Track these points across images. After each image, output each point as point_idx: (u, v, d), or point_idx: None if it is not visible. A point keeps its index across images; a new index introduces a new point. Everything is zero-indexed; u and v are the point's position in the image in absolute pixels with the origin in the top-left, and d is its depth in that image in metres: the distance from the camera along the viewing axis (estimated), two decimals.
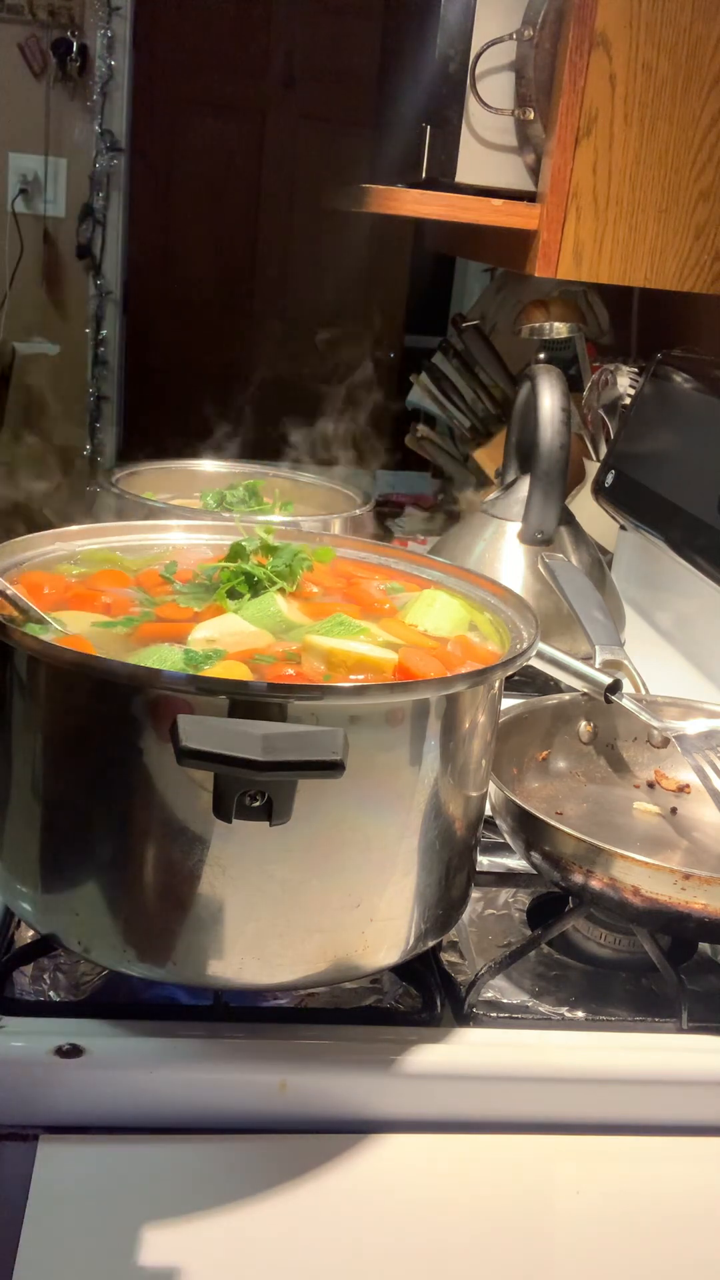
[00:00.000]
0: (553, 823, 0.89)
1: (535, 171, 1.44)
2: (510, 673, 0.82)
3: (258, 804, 0.67)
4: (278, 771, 0.66)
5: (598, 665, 1.08)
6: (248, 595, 0.91)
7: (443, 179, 1.45)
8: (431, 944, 0.85)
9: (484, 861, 1.03)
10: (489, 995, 0.89)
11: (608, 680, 1.05)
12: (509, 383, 2.15)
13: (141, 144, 3.82)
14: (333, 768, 0.66)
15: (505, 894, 1.03)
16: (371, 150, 1.85)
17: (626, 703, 1.06)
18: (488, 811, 0.90)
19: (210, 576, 0.93)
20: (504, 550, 1.44)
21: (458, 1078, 0.82)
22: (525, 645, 0.85)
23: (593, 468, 1.84)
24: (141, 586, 0.94)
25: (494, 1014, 0.87)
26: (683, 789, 1.09)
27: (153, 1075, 0.78)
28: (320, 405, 1.78)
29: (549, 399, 1.38)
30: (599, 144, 1.38)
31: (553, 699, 1.11)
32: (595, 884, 0.87)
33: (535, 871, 0.94)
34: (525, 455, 1.48)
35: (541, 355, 1.66)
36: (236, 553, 0.95)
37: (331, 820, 0.74)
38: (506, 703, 1.00)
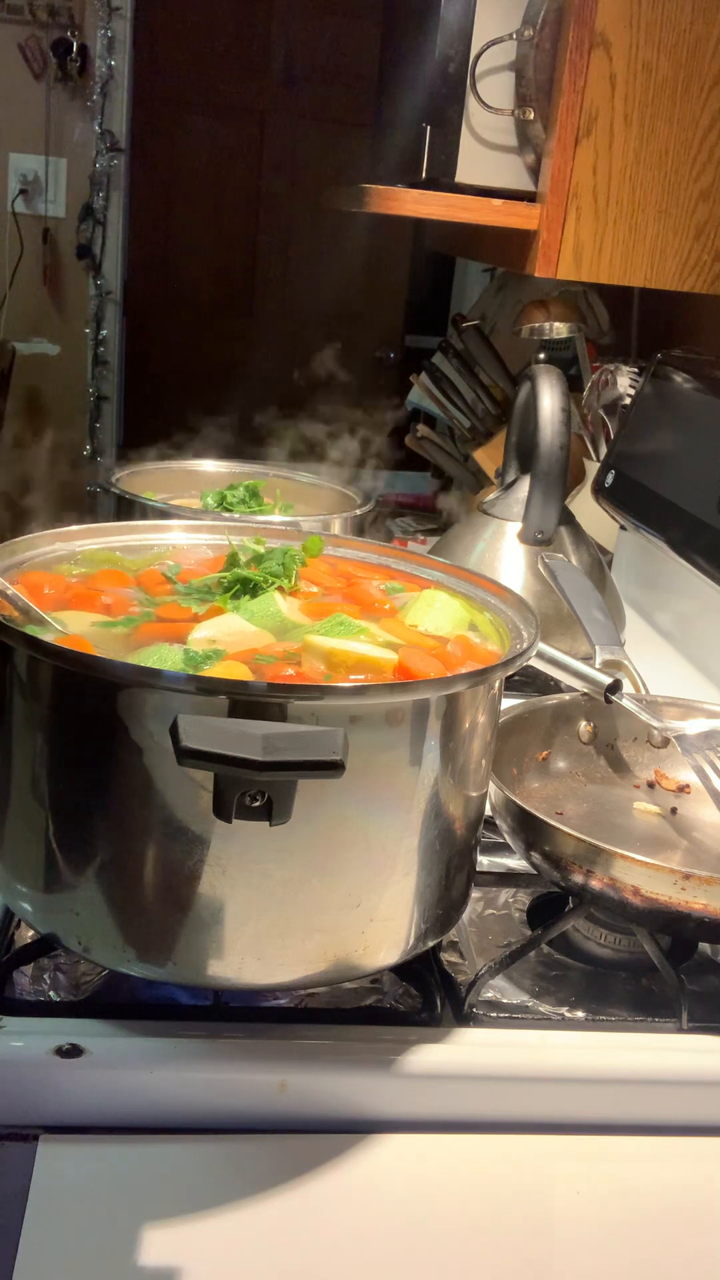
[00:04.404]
0: (553, 823, 0.89)
1: (535, 171, 1.44)
2: (510, 673, 0.82)
3: (258, 804, 0.67)
4: (278, 771, 0.66)
5: (598, 665, 1.08)
6: (247, 597, 0.91)
7: (443, 179, 1.45)
8: (431, 944, 0.85)
9: (484, 861, 1.03)
10: (489, 995, 0.89)
11: (608, 680, 1.05)
12: (509, 383, 2.14)
13: (141, 144, 3.82)
14: (333, 768, 0.66)
15: (505, 894, 1.03)
16: (371, 150, 1.85)
17: (626, 703, 1.06)
18: (488, 811, 0.90)
19: (209, 588, 0.94)
20: (504, 550, 1.44)
21: (458, 1078, 0.82)
22: (525, 645, 0.85)
23: (593, 468, 1.84)
24: (141, 586, 0.94)
25: (494, 1014, 0.87)
26: (683, 789, 1.09)
27: (153, 1075, 0.78)
28: (320, 405, 1.78)
29: (549, 399, 1.38)
30: (599, 144, 1.38)
31: (553, 699, 1.10)
32: (595, 884, 0.87)
33: (535, 871, 0.94)
34: (525, 455, 1.48)
35: (541, 355, 1.66)
36: (233, 560, 0.95)
37: (331, 820, 0.74)
38: (506, 703, 1.00)
